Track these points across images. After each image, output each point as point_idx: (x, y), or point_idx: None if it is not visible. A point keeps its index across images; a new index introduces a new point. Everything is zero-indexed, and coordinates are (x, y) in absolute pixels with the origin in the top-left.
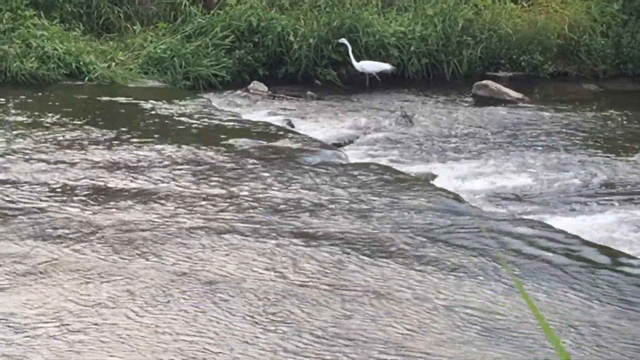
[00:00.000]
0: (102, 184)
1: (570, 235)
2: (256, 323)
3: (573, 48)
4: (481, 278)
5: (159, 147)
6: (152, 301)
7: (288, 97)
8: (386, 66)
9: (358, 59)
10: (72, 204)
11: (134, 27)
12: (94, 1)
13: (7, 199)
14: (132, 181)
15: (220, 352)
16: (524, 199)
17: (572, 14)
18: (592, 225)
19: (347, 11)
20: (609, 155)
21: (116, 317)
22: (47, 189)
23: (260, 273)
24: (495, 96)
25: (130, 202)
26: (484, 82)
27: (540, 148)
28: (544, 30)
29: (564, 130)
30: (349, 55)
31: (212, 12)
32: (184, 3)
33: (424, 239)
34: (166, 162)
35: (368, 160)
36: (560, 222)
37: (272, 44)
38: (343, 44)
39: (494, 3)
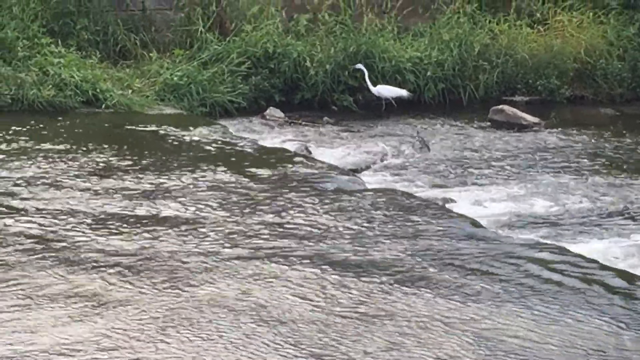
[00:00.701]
0: (129, 212)
1: (588, 260)
2: (295, 356)
3: (589, 72)
4: (511, 305)
5: (180, 174)
6: (193, 333)
7: (304, 123)
8: (403, 92)
9: (374, 84)
10: (104, 233)
11: (150, 54)
12: (110, 29)
13: (39, 228)
14: (158, 209)
15: None
16: (542, 223)
17: (588, 38)
18: (610, 249)
19: (363, 37)
20: (626, 179)
21: (156, 349)
22: (77, 219)
23: (292, 301)
24: (511, 121)
25: (160, 231)
26: (500, 106)
27: (557, 172)
28: (560, 55)
29: (581, 154)
30: (365, 81)
31: (228, 38)
32: (200, 30)
33: (444, 265)
34: (188, 190)
35: (385, 185)
36: (578, 246)
37: (288, 70)
38: (359, 70)
39: (510, 28)
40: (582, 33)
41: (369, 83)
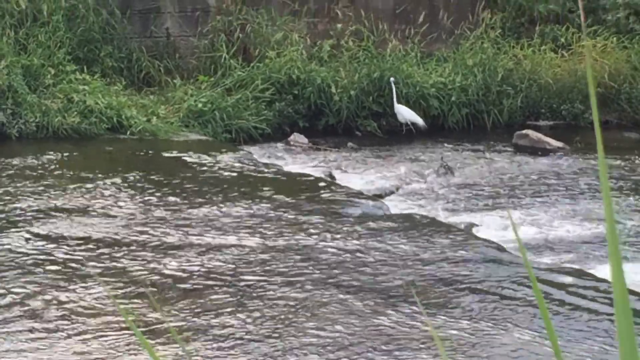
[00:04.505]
0: (159, 239)
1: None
2: None
3: (614, 96)
4: (537, 330)
5: (205, 201)
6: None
7: (328, 149)
8: (419, 120)
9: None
10: (135, 260)
11: (174, 81)
12: (134, 55)
13: (64, 255)
14: (184, 236)
15: None
16: (567, 247)
17: (612, 63)
18: (636, 273)
19: (387, 63)
20: None
21: None
22: (108, 245)
23: (316, 325)
24: (536, 145)
25: (186, 257)
26: (524, 131)
27: (581, 197)
28: (584, 79)
29: None
30: (392, 97)
31: (252, 65)
32: (223, 56)
33: (470, 291)
34: (214, 217)
35: (409, 211)
36: (602, 271)
37: (312, 95)
38: (389, 83)
39: (534, 53)
40: (606, 58)
41: (395, 98)
